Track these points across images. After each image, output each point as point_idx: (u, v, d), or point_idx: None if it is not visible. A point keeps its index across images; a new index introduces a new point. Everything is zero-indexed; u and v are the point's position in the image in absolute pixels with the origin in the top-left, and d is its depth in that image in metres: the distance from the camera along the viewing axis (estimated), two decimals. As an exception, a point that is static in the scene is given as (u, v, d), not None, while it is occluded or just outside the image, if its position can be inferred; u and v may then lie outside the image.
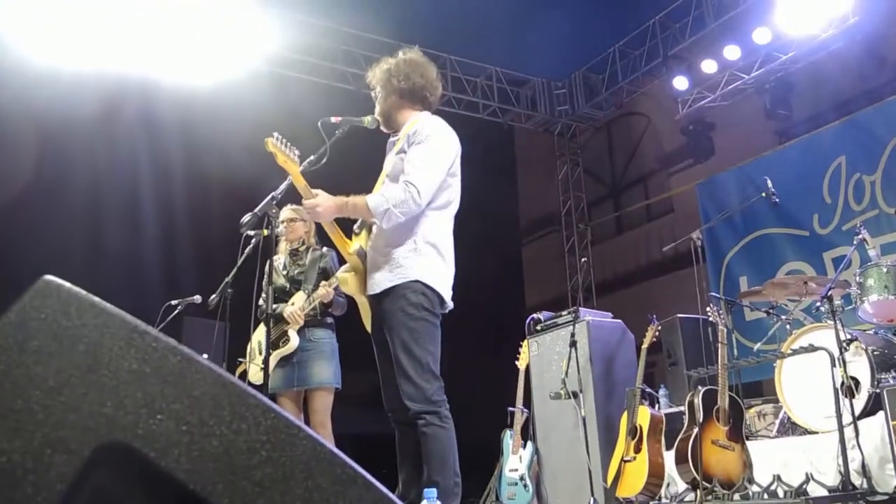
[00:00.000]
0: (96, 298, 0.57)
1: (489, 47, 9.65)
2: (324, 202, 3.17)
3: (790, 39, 7.67)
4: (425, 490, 2.44)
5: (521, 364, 6.16)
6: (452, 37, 9.13)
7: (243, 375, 4.59)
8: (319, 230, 4.75)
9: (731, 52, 8.10)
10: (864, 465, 3.76)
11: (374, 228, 3.32)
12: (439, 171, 3.24)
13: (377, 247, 3.30)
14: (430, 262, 3.24)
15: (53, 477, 0.53)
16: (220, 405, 0.60)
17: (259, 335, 4.54)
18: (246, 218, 3.13)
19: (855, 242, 4.53)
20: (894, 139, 6.74)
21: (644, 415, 5.13)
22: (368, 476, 0.64)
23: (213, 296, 4.24)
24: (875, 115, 7.03)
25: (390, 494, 0.64)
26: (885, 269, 4.34)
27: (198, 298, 4.78)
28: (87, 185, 7.40)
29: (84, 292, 0.56)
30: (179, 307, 4.85)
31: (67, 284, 0.56)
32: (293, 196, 4.02)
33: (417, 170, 3.18)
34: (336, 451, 0.64)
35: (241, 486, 0.59)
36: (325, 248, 4.66)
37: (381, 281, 3.23)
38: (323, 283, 4.40)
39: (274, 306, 4.18)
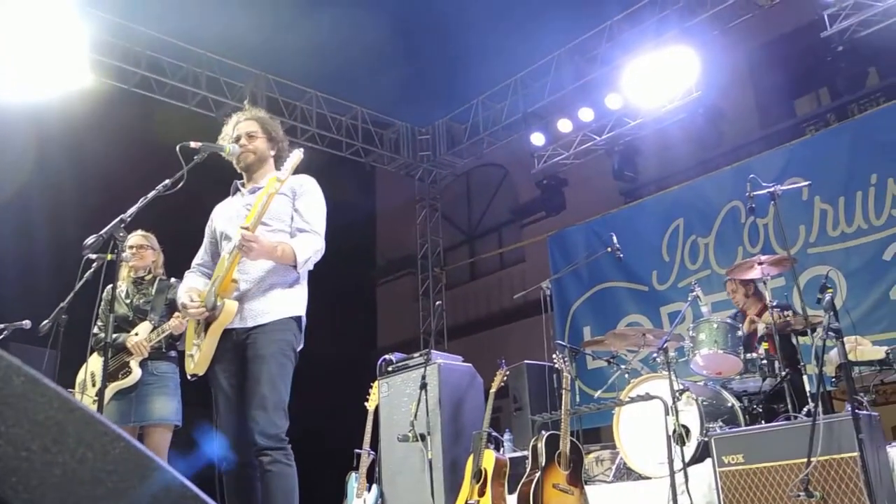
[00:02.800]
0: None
1: (356, 87, 9.71)
2: (261, 243, 3.11)
3: (638, 108, 8.20)
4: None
5: (370, 405, 6.11)
6: (321, 73, 9.13)
7: None
8: (168, 260, 4.56)
9: (585, 114, 8.56)
10: (691, 510, 3.97)
11: (242, 258, 3.21)
12: (324, 219, 3.39)
13: (254, 277, 3.21)
14: (303, 300, 3.27)
15: None
16: (64, 431, 0.55)
17: (94, 365, 4.25)
18: (90, 240, 2.95)
19: (689, 299, 4.85)
20: (727, 206, 7.34)
21: (489, 458, 5.21)
22: (223, 510, 0.61)
23: (45, 322, 3.95)
24: (710, 182, 7.63)
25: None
26: (715, 325, 4.67)
27: (27, 324, 4.42)
28: None
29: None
30: (6, 332, 4.47)
31: None
32: (141, 222, 3.85)
33: (317, 222, 3.32)
34: (190, 485, 0.61)
35: (82, 519, 0.55)
36: (172, 280, 4.46)
37: (263, 312, 3.14)
38: (177, 314, 4.18)
39: (114, 335, 3.94)
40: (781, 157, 6.99)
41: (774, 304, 4.45)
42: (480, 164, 11.61)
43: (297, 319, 3.24)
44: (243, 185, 3.48)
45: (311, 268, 3.30)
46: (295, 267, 3.19)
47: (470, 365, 5.98)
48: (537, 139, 9.07)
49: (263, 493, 2.98)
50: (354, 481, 6.01)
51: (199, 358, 3.19)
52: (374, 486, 5.90)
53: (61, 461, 0.55)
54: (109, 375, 4.07)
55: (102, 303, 3.58)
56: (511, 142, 10.06)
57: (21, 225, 7.43)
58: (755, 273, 4.64)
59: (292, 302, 3.23)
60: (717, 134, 8.08)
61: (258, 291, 3.20)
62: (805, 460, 3.36)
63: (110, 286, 3.49)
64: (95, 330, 4.15)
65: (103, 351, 3.06)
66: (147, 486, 0.59)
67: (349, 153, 10.22)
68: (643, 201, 8.38)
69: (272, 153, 3.47)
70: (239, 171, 3.47)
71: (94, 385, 4.20)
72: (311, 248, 3.22)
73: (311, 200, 3.35)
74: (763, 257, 4.63)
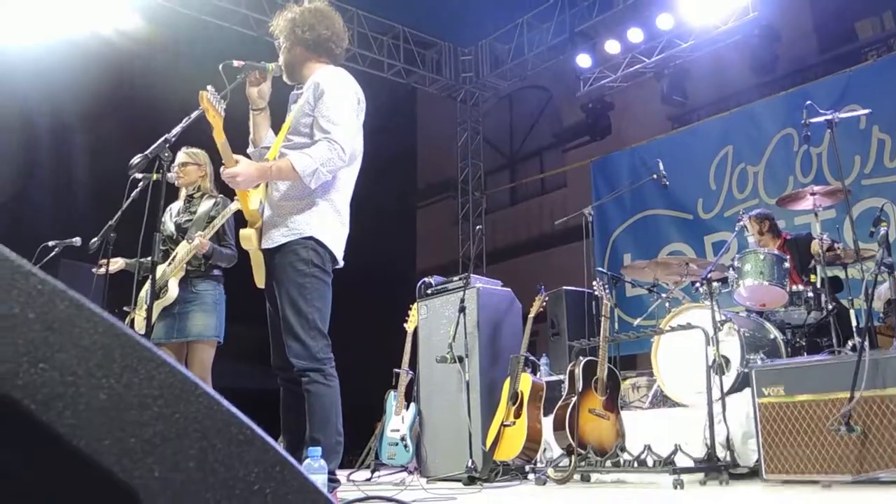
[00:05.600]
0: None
1: (399, 6, 9.50)
2: (244, 171, 3.05)
3: (691, 28, 7.91)
4: (309, 449, 2.41)
5: (409, 326, 6.19)
6: (362, -10, 8.94)
7: (131, 325, 4.41)
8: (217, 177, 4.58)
9: (635, 35, 8.28)
10: (728, 440, 3.98)
11: (270, 182, 3.22)
12: (352, 124, 3.20)
13: (273, 201, 3.21)
14: (325, 219, 3.18)
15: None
16: (110, 356, 0.55)
17: (147, 284, 4.36)
18: (136, 160, 2.96)
19: (736, 229, 4.75)
20: (779, 133, 7.11)
21: (526, 382, 5.27)
22: (266, 437, 0.61)
23: (94, 239, 4.02)
24: (764, 108, 7.38)
25: (288, 456, 0.61)
26: (761, 256, 4.57)
27: (77, 241, 4.52)
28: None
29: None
30: (57, 249, 4.58)
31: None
32: (188, 139, 3.85)
33: (335, 125, 3.10)
34: (234, 410, 0.60)
35: (129, 443, 0.54)
36: (220, 197, 4.48)
37: (275, 236, 3.16)
38: (199, 233, 4.21)
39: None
40: (839, 84, 6.71)
41: (824, 236, 4.34)
42: (524, 87, 11.38)
43: (314, 239, 3.12)
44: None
45: (329, 178, 3.10)
46: (308, 181, 3.04)
47: (509, 290, 5.99)
48: (583, 61, 8.83)
49: (307, 410, 3.06)
50: (393, 399, 6.14)
51: (255, 274, 3.28)
52: (412, 405, 6.02)
53: (107, 386, 0.54)
54: (155, 294, 4.17)
55: (158, 222, 3.62)
56: (556, 64, 9.82)
57: (77, 147, 7.54)
58: (807, 204, 4.51)
59: (306, 222, 3.13)
60: (773, 57, 7.75)
61: (276, 214, 3.19)
62: (847, 395, 3.32)
63: (166, 205, 3.50)
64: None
65: (151, 270, 3.11)
66: (192, 411, 0.59)
67: (390, 74, 10.08)
68: (691, 127, 8.17)
69: (302, 50, 3.26)
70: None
71: (146, 303, 4.31)
72: (316, 157, 3.04)
73: (327, 103, 3.13)
74: (816, 187, 4.50)
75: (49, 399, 0.52)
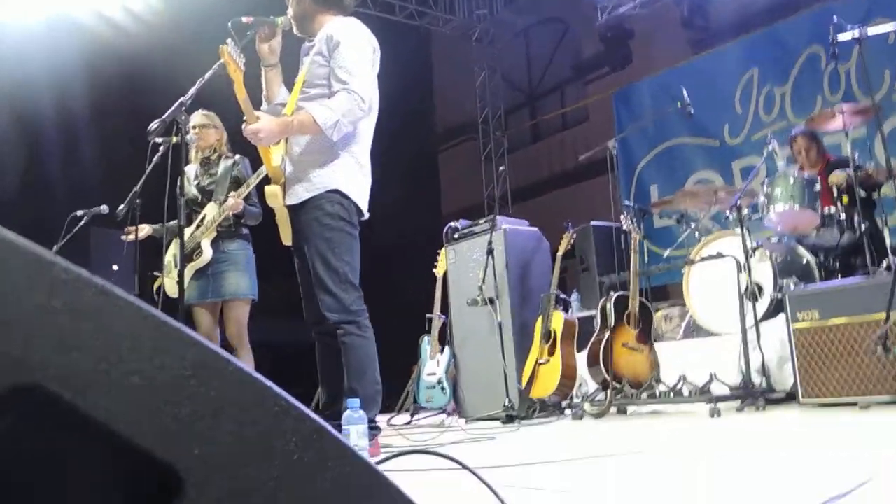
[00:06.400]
0: (-8, 225, 0.51)
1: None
2: (266, 126, 3.05)
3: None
4: (348, 400, 2.46)
5: (438, 272, 6.21)
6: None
7: (159, 289, 4.47)
8: (234, 139, 4.58)
9: (652, -42, 8.04)
10: (763, 366, 3.98)
11: (290, 138, 3.21)
12: (368, 73, 3.17)
13: (293, 156, 3.21)
14: (347, 171, 3.18)
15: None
16: (140, 339, 0.55)
17: (173, 248, 4.40)
18: (154, 125, 2.97)
19: (765, 153, 4.66)
20: (805, 52, 6.91)
21: (558, 319, 5.29)
22: (302, 406, 0.61)
23: (122, 206, 4.06)
24: (787, 28, 7.16)
25: (326, 425, 0.62)
26: (791, 180, 4.49)
27: (105, 208, 4.56)
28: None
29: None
30: (85, 218, 4.63)
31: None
32: (203, 101, 3.84)
33: (352, 75, 3.08)
34: (268, 382, 0.61)
35: (166, 423, 0.55)
36: (237, 156, 4.49)
37: (299, 192, 3.16)
38: (232, 193, 4.25)
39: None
40: (865, -2, 6.47)
41: (856, 155, 4.24)
42: (540, 21, 11.13)
43: (339, 192, 3.13)
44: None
45: (350, 129, 3.10)
46: (330, 134, 3.03)
47: (536, 229, 5.96)
48: (601, -11, 8.60)
49: (343, 362, 3.10)
50: (427, 344, 6.21)
51: (282, 231, 3.29)
52: (447, 349, 6.09)
53: (139, 369, 0.55)
54: (186, 257, 4.22)
55: (175, 186, 3.64)
56: (572, -7, 9.57)
57: (100, 112, 7.55)
58: (836, 123, 4.40)
59: (329, 175, 3.13)
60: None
61: (299, 169, 3.18)
62: (882, 316, 3.28)
63: (181, 171, 3.52)
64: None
65: (179, 234, 3.14)
66: (226, 387, 0.59)
67: (403, 16, 9.91)
68: (714, 51, 7.95)
69: (311, 3, 3.24)
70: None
71: (175, 266, 4.36)
72: (336, 108, 3.04)
73: (342, 53, 3.11)
74: (845, 106, 4.38)
75: (83, 387, 0.52)
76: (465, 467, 1.08)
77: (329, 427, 0.63)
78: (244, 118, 3.09)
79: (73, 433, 0.53)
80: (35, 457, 0.54)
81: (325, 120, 3.02)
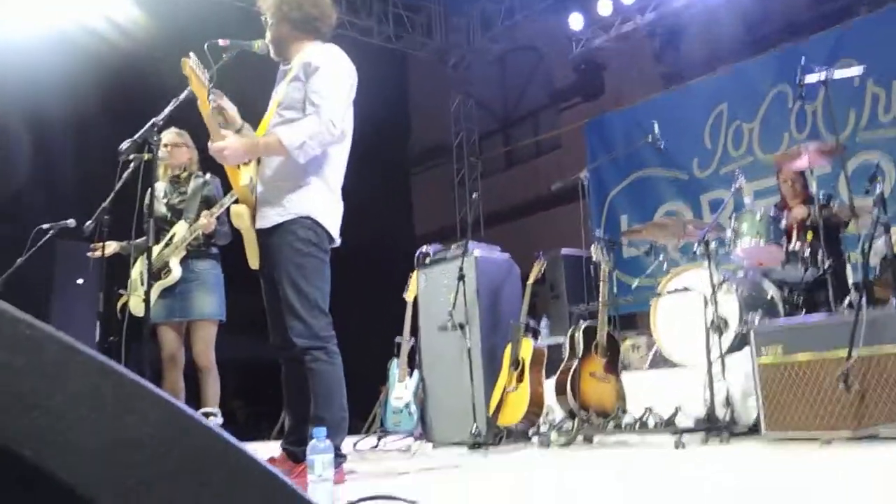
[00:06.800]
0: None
1: (387, -32, 9.35)
2: (232, 145, 3.03)
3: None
4: (314, 429, 2.44)
5: (408, 296, 6.20)
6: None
7: (124, 307, 4.41)
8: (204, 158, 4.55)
9: (627, -7, 8.17)
10: (728, 399, 4.02)
11: (265, 160, 3.21)
12: (344, 99, 3.17)
13: (265, 179, 3.20)
14: (319, 197, 3.18)
15: None
16: (103, 397, 0.54)
17: (140, 266, 4.35)
18: (125, 144, 2.96)
19: (733, 189, 4.73)
20: (774, 90, 7.05)
21: (527, 347, 5.30)
22: (268, 466, 0.61)
23: (89, 222, 4.01)
24: (757, 66, 7.31)
25: (290, 483, 0.62)
26: (757, 216, 4.57)
27: (71, 222, 4.50)
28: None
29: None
30: (52, 231, 4.56)
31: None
32: (176, 121, 3.82)
33: (326, 99, 3.08)
34: (232, 440, 0.60)
35: (127, 484, 0.55)
36: (208, 176, 4.47)
37: (271, 216, 3.15)
38: (205, 212, 4.23)
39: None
40: (832, 38, 6.63)
41: (821, 193, 4.33)
42: (515, 48, 11.25)
43: (311, 218, 3.12)
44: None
45: (318, 152, 3.08)
46: (297, 155, 3.01)
47: (507, 255, 5.99)
48: (575, 22, 8.73)
49: (310, 388, 3.08)
50: (396, 368, 6.18)
51: (249, 254, 3.27)
52: (415, 373, 6.07)
53: (101, 428, 0.54)
54: (153, 275, 4.17)
55: (145, 203, 3.59)
56: (548, 25, 9.69)
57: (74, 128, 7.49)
58: (802, 162, 4.49)
59: (301, 200, 3.12)
60: (765, 13, 7.66)
61: (269, 193, 3.17)
62: (846, 353, 3.34)
63: (150, 188, 3.49)
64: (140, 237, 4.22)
65: (147, 253, 3.11)
66: (187, 445, 0.59)
67: (380, 39, 9.95)
68: (685, 86, 8.08)
69: (289, 28, 3.23)
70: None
71: (142, 285, 4.31)
72: (304, 131, 3.02)
73: (318, 78, 3.11)
74: (811, 145, 4.47)
75: (44, 446, 0.52)
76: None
77: (296, 487, 0.62)
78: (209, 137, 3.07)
79: (35, 492, 0.53)
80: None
81: (292, 142, 3.01)
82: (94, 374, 0.55)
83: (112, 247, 4.36)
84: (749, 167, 6.86)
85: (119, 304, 4.46)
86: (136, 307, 4.29)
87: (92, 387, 0.54)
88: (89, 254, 4.25)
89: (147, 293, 3.20)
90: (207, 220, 4.17)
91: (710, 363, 4.10)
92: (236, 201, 3.32)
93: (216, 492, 0.57)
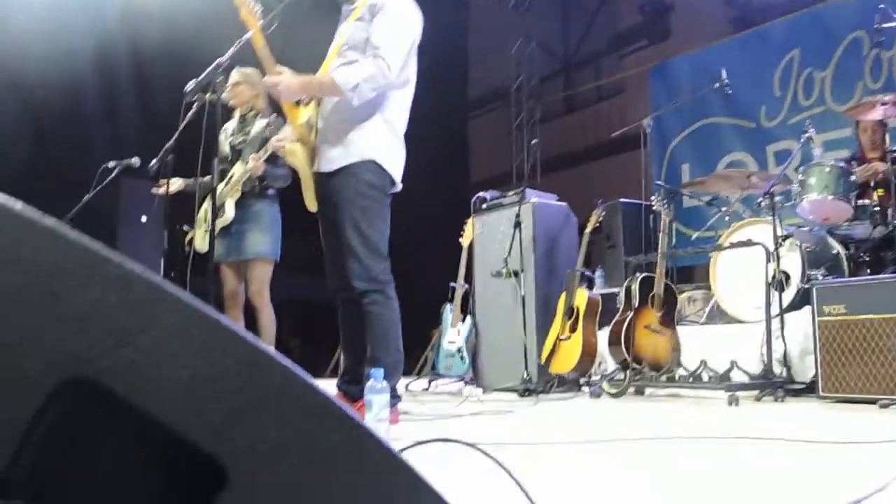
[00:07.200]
0: (51, 220, 0.52)
1: None
2: (286, 80, 3.04)
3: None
4: (371, 370, 2.48)
5: (464, 241, 6.21)
6: None
7: (190, 243, 4.51)
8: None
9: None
10: (785, 356, 3.96)
11: (327, 101, 3.20)
12: (407, 44, 3.13)
13: (331, 122, 3.19)
14: (385, 141, 3.17)
15: (13, 418, 0.50)
16: (189, 335, 0.56)
17: (206, 204, 4.43)
18: (190, 86, 2.99)
19: (802, 140, 4.57)
20: (849, 36, 6.73)
21: (582, 297, 5.29)
22: (344, 407, 0.62)
23: (153, 161, 4.08)
24: (832, 10, 6.97)
25: (366, 425, 0.63)
26: (827, 169, 4.42)
27: (136, 161, 4.60)
28: (17, 43, 6.89)
29: (37, 213, 0.51)
30: (117, 170, 4.67)
31: (20, 206, 0.50)
32: (241, 62, 3.83)
33: (387, 43, 3.05)
34: (311, 380, 0.62)
35: (212, 417, 0.56)
36: (273, 116, 4.49)
37: (334, 158, 3.15)
38: (253, 155, 4.24)
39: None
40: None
41: (893, 148, 4.16)
42: (579, -12, 10.96)
43: (375, 162, 3.12)
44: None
45: (372, 95, 3.05)
46: (350, 97, 3.00)
47: (565, 204, 5.94)
48: (643, -39, 8.42)
49: (367, 330, 3.12)
50: (449, 313, 6.24)
51: (305, 195, 3.30)
52: (468, 318, 6.11)
53: (188, 364, 0.56)
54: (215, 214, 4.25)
55: (216, 144, 3.62)
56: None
57: (139, 67, 7.58)
58: (876, 113, 4.31)
59: (365, 143, 3.12)
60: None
61: (333, 135, 3.17)
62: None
63: (214, 127, 3.51)
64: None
65: (211, 193, 3.16)
66: (270, 382, 0.60)
67: (441, -21, 9.77)
68: (756, 30, 7.76)
69: None
70: None
71: (205, 222, 4.40)
72: (359, 73, 2.99)
73: (382, 20, 3.08)
74: (886, 97, 4.28)
75: (135, 381, 0.54)
76: (496, 461, 1.10)
77: (371, 428, 0.64)
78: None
79: (123, 426, 0.55)
80: (85, 448, 0.55)
81: (346, 82, 3.00)
82: (181, 312, 0.56)
83: (177, 184, 4.43)
84: (819, 117, 6.61)
85: (186, 240, 4.56)
86: (201, 244, 4.39)
87: (180, 324, 0.56)
88: (154, 190, 4.34)
89: (211, 232, 3.27)
90: (254, 164, 4.19)
91: (769, 319, 4.03)
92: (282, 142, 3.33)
93: (299, 429, 0.59)
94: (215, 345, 0.57)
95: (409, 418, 3.40)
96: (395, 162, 3.22)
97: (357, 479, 0.62)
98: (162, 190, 4.25)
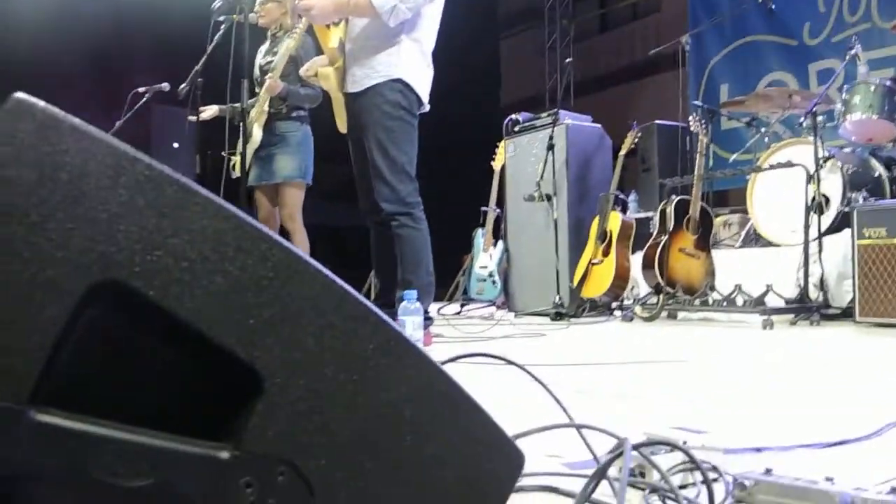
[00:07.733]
0: (77, 120, 0.50)
1: None
2: (320, 3, 2.96)
3: None
4: (404, 292, 2.49)
5: (496, 164, 6.15)
6: None
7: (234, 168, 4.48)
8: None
9: None
10: (822, 280, 3.90)
11: (354, 22, 3.13)
12: None
13: (358, 41, 3.13)
14: (412, 60, 3.11)
15: (46, 320, 0.49)
16: (222, 239, 0.54)
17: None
18: (216, 3, 2.92)
19: (847, 57, 4.39)
20: (900, -52, 6.39)
21: (615, 220, 5.23)
22: (380, 313, 0.61)
23: (183, 85, 4.05)
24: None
25: (402, 331, 0.61)
26: (872, 88, 4.25)
27: (166, 86, 4.56)
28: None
29: (63, 114, 0.49)
30: (147, 95, 4.64)
31: (43, 104, 0.48)
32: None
33: None
34: (347, 287, 0.60)
35: (248, 324, 0.55)
36: (296, 30, 4.38)
37: (360, 78, 3.10)
38: (269, 74, 4.15)
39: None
40: None
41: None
42: None
43: (402, 81, 3.08)
44: None
45: (409, 16, 3.01)
46: (387, 19, 2.94)
47: (599, 125, 5.81)
48: None
49: (398, 252, 3.13)
50: (481, 237, 6.23)
51: (337, 117, 3.26)
52: (500, 243, 6.10)
53: (222, 269, 0.54)
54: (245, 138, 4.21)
55: (245, 64, 3.56)
56: None
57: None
58: (928, 29, 4.10)
59: (392, 62, 3.07)
60: None
61: (361, 55, 3.11)
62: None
63: (244, 47, 3.45)
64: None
65: (242, 116, 3.13)
66: (307, 290, 0.59)
67: None
68: (801, -58, 7.39)
69: None
70: None
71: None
72: None
73: None
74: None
75: (167, 285, 0.53)
76: (534, 377, 1.09)
77: (406, 336, 0.63)
78: None
79: (156, 330, 0.54)
80: (117, 351, 0.55)
81: (382, 3, 2.93)
82: (214, 216, 0.55)
83: (213, 110, 4.39)
84: (865, 34, 6.33)
85: (231, 166, 4.51)
86: (236, 168, 4.38)
87: (213, 228, 0.54)
88: (190, 118, 4.30)
89: (242, 156, 3.26)
90: (271, 83, 4.10)
91: (807, 243, 3.96)
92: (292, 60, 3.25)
93: (335, 336, 0.58)
94: (249, 249, 0.55)
95: (442, 340, 3.42)
96: (422, 81, 3.16)
97: (396, 388, 0.61)
98: (202, 116, 4.21)
